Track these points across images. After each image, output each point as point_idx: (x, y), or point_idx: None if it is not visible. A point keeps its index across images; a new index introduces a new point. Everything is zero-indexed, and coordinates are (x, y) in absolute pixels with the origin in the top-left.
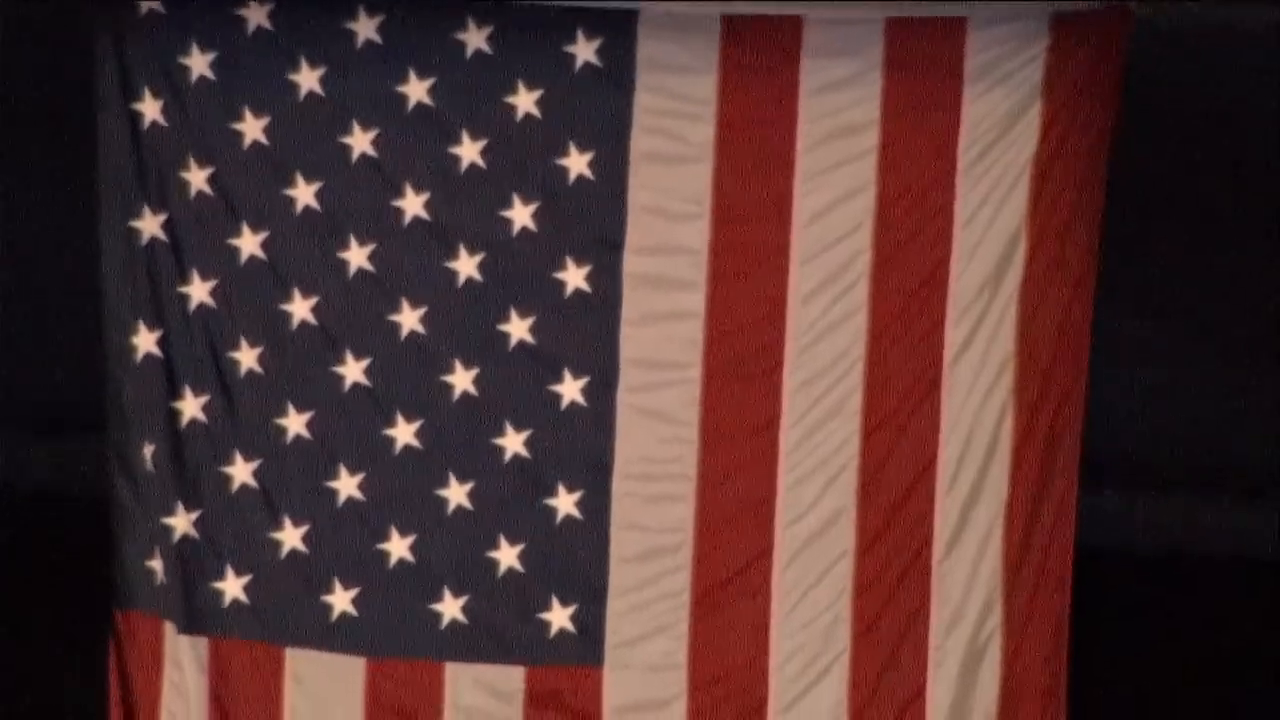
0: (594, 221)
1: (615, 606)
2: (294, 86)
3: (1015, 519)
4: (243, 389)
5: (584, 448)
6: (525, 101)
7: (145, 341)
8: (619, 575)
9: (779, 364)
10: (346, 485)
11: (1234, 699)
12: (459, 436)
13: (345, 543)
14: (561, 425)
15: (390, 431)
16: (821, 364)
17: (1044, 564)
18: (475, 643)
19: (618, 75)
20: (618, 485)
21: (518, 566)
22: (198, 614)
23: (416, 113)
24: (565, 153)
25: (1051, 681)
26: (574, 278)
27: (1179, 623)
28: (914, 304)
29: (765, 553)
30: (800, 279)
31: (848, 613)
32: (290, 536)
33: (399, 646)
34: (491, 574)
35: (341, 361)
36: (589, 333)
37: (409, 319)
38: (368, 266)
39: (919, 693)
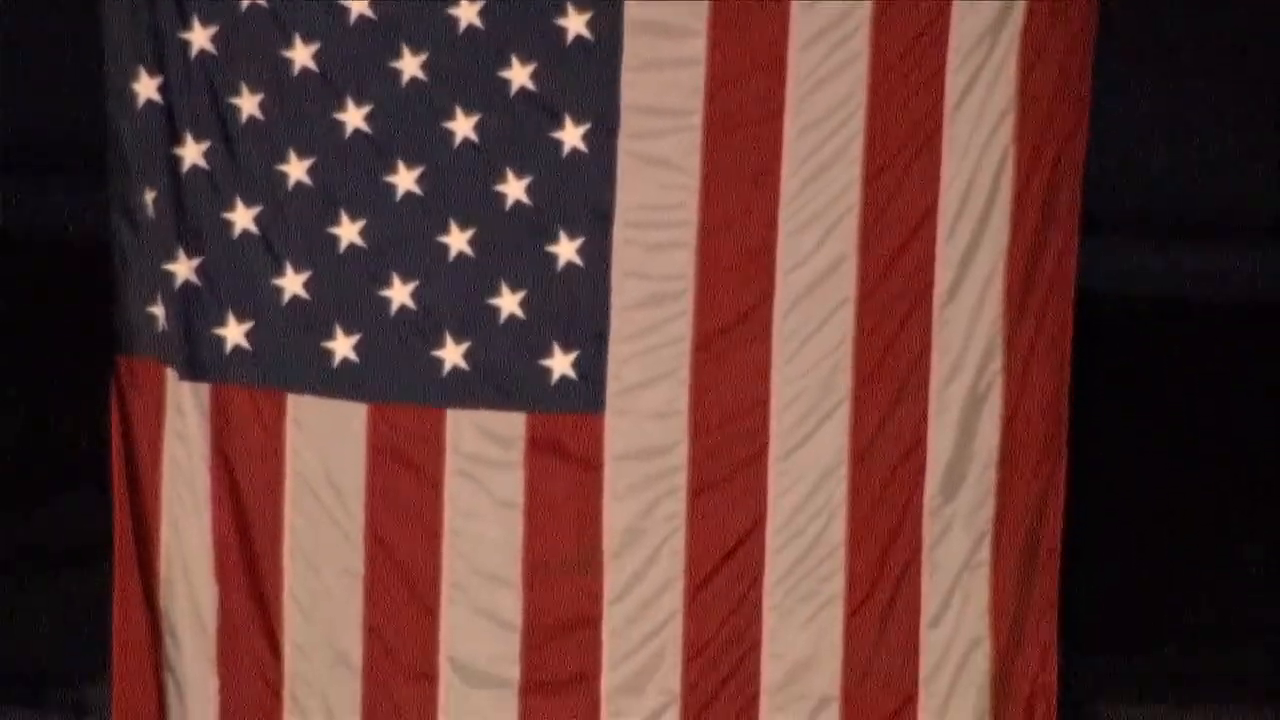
0: None
1: (616, 353)
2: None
3: (1015, 267)
4: (244, 135)
5: (585, 194)
6: None
7: (146, 88)
8: (620, 322)
9: (779, 111)
10: (348, 232)
11: (1233, 441)
12: (460, 183)
13: (347, 289)
14: (563, 172)
15: (392, 178)
16: (822, 111)
17: (1044, 312)
18: (476, 389)
19: None
20: (619, 232)
21: (519, 313)
22: (200, 360)
23: None
24: None
25: (1052, 428)
26: (575, 24)
27: (1179, 368)
28: (915, 51)
29: (766, 299)
30: (800, 26)
31: (848, 360)
32: (292, 283)
33: (400, 392)
34: (493, 320)
35: (343, 108)
36: (590, 79)
37: (409, 66)
38: (369, 14)
39: (919, 440)
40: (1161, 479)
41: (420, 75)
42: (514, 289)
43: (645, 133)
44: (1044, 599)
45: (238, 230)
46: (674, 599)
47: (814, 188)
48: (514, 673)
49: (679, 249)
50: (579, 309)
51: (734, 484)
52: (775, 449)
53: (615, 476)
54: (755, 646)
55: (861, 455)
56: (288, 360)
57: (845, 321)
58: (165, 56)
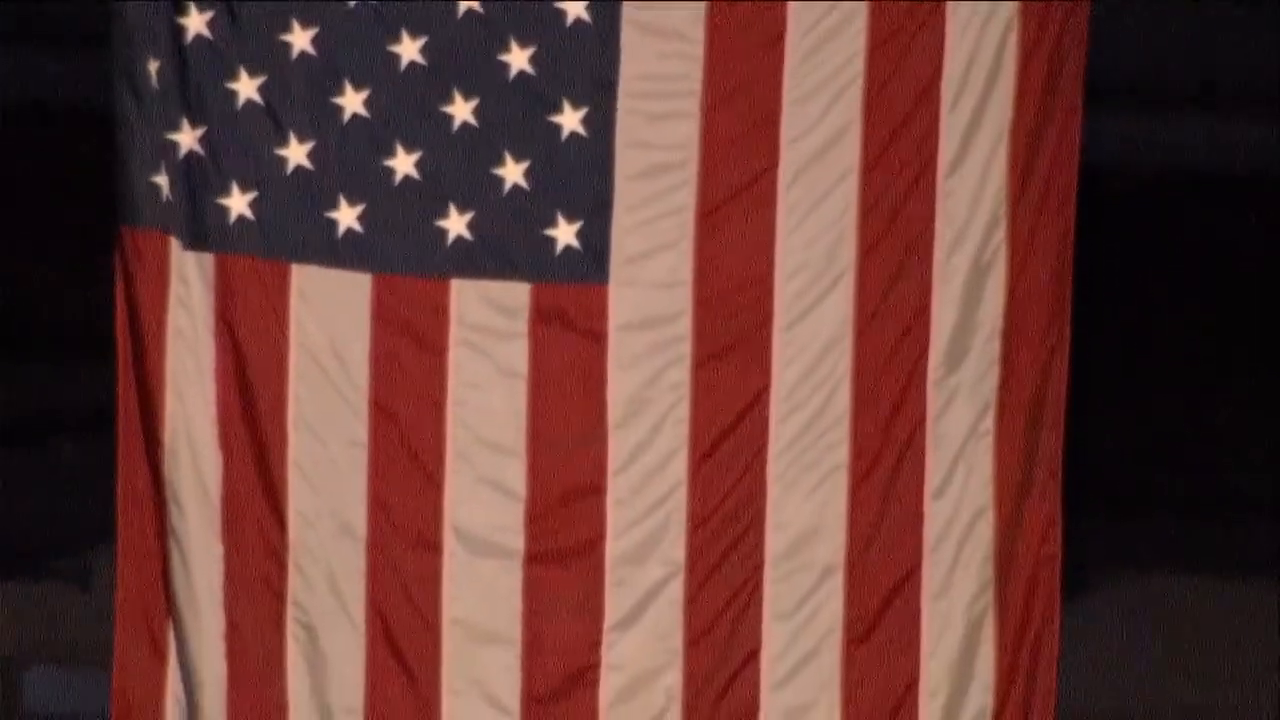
0: None
1: (620, 223)
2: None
3: (1019, 137)
4: (247, 3)
5: (589, 64)
6: None
7: None
8: (624, 192)
9: None
10: (352, 102)
11: (1237, 314)
12: (464, 52)
13: (351, 159)
14: (566, 41)
15: (395, 48)
16: None
17: (1049, 183)
18: (480, 259)
19: None
20: (622, 103)
21: (523, 183)
22: (203, 230)
23: None
24: None
25: (1056, 299)
26: None
27: (1183, 240)
28: None
29: (770, 169)
30: None
31: (852, 231)
32: (296, 153)
33: (405, 262)
34: (497, 191)
35: None
36: None
37: None
38: None
39: (923, 310)
40: (1165, 351)
41: None
42: (517, 159)
43: (649, 3)
44: (1048, 469)
45: (241, 100)
46: (678, 469)
47: (818, 58)
48: (518, 542)
49: (682, 119)
50: (582, 179)
51: (738, 354)
52: (779, 319)
53: (619, 346)
54: (759, 517)
55: (865, 326)
56: (292, 230)
57: (849, 192)
58: None
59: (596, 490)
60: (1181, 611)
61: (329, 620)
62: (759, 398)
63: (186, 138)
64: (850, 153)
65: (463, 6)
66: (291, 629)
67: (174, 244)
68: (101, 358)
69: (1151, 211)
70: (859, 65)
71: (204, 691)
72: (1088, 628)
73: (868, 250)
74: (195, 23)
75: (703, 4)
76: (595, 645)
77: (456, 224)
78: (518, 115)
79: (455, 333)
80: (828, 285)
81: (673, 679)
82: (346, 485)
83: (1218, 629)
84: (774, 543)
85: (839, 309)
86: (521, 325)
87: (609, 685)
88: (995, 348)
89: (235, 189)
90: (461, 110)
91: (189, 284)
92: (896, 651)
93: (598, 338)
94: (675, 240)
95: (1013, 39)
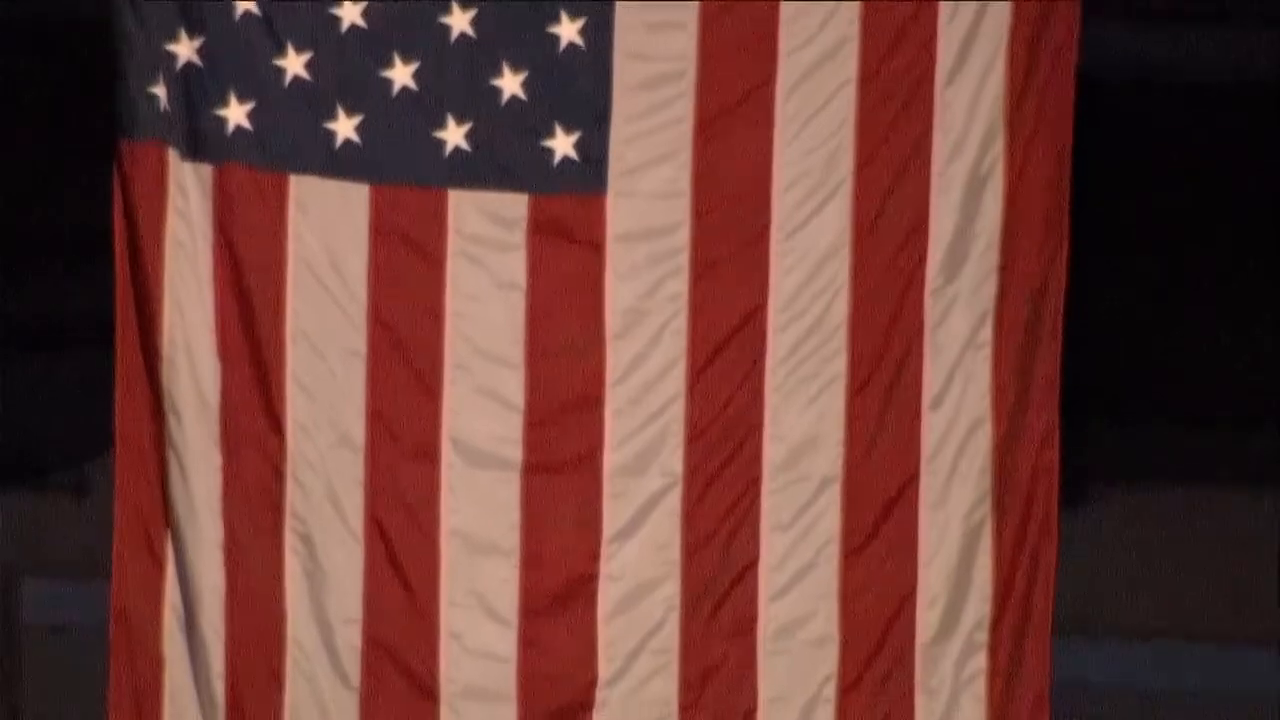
0: None
1: (618, 134)
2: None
3: (1017, 49)
4: None
5: None
6: None
7: None
8: (622, 103)
9: None
10: (349, 12)
11: (1236, 224)
12: None
13: (348, 70)
14: None
15: None
16: None
17: (1046, 93)
18: (478, 170)
19: None
20: (620, 15)
21: (520, 94)
22: (201, 141)
23: None
24: None
25: (1054, 209)
26: None
27: (1181, 151)
28: None
29: (768, 81)
30: None
31: (850, 141)
32: (293, 63)
33: (403, 173)
34: (494, 102)
35: None
36: None
37: None
38: None
39: (921, 221)
40: (1165, 260)
41: None
42: (515, 70)
43: None
44: (1046, 379)
45: (239, 10)
46: (676, 380)
47: None
48: (516, 453)
49: (680, 30)
50: (580, 90)
51: (736, 265)
52: (777, 230)
53: (617, 257)
54: (757, 428)
55: (863, 236)
56: (289, 141)
57: (847, 102)
58: None
59: (595, 401)
60: (1181, 522)
61: (327, 531)
62: (757, 309)
63: (184, 49)
64: (848, 64)
65: None
66: (290, 540)
67: (172, 155)
68: (100, 269)
69: (1152, 121)
70: None
71: (202, 602)
72: (1086, 538)
73: (865, 161)
74: None
75: None
76: (594, 556)
77: (454, 135)
78: (516, 26)
79: (453, 244)
80: (826, 196)
81: (671, 590)
82: (345, 396)
83: (1217, 539)
84: (772, 454)
85: (837, 219)
86: (519, 236)
87: (607, 596)
88: (993, 257)
89: (233, 100)
90: (459, 21)
91: (187, 194)
92: (894, 562)
93: (596, 249)
94: (674, 151)
95: None
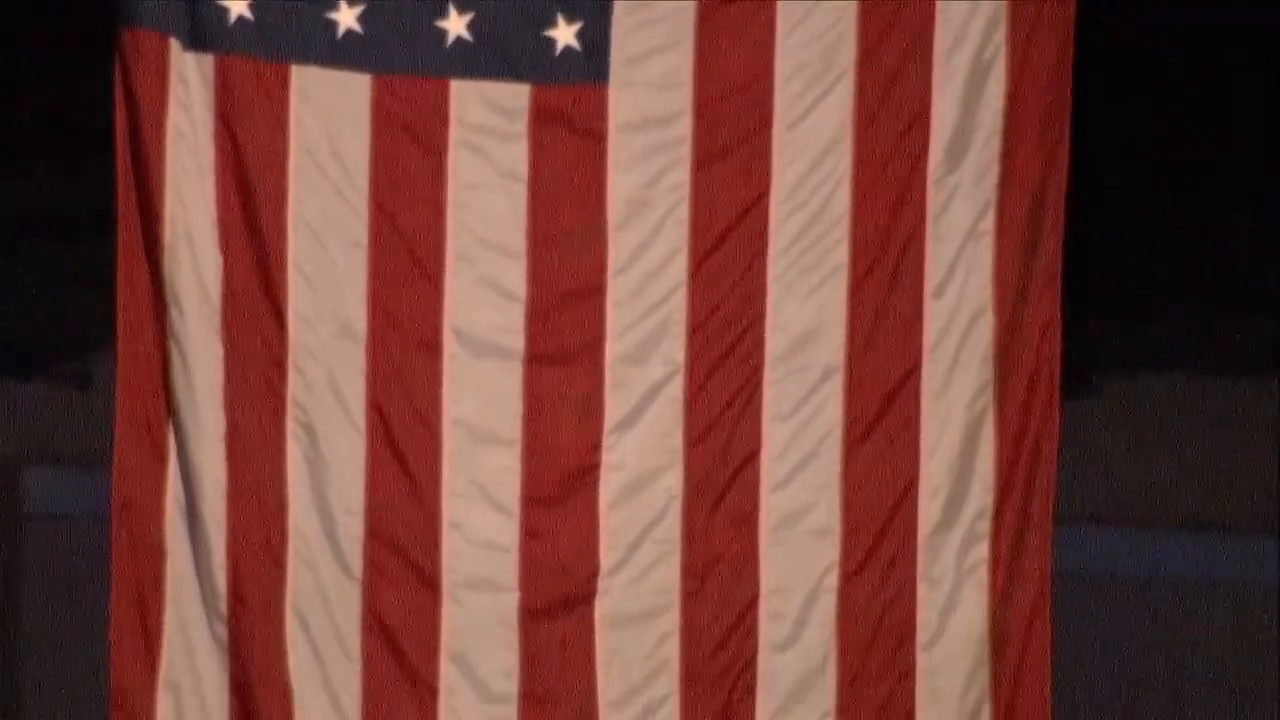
0: None
1: (620, 24)
2: None
3: None
4: None
5: None
6: None
7: None
8: None
9: None
10: None
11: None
12: None
13: None
14: None
15: None
16: None
17: None
18: (480, 60)
19: None
20: None
21: None
22: (203, 31)
23: None
24: None
25: (1057, 95)
26: None
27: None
28: None
29: None
30: None
31: (852, 31)
32: None
33: (405, 63)
34: None
35: None
36: None
37: None
38: None
39: (923, 110)
40: (1168, 147)
41: None
42: None
43: None
44: (1047, 269)
45: None
46: (678, 270)
47: None
48: (518, 343)
49: None
50: None
51: (738, 155)
52: (779, 120)
53: (619, 147)
54: (759, 318)
55: (865, 125)
56: (292, 31)
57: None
58: None
59: (596, 291)
60: (1181, 411)
61: (329, 421)
62: (759, 199)
63: None
64: None
65: None
66: (292, 430)
67: (174, 45)
68: (102, 159)
69: (1155, 8)
70: None
71: (204, 493)
72: (1087, 428)
73: (867, 50)
74: None
75: None
76: (595, 446)
77: (456, 24)
78: None
79: (455, 134)
80: (827, 85)
81: (673, 479)
82: (346, 286)
83: (1217, 428)
84: (773, 344)
85: (839, 109)
86: (521, 126)
87: (609, 486)
88: (995, 146)
89: None
90: None
91: (189, 84)
92: (896, 451)
93: (597, 139)
94: (675, 41)
95: None
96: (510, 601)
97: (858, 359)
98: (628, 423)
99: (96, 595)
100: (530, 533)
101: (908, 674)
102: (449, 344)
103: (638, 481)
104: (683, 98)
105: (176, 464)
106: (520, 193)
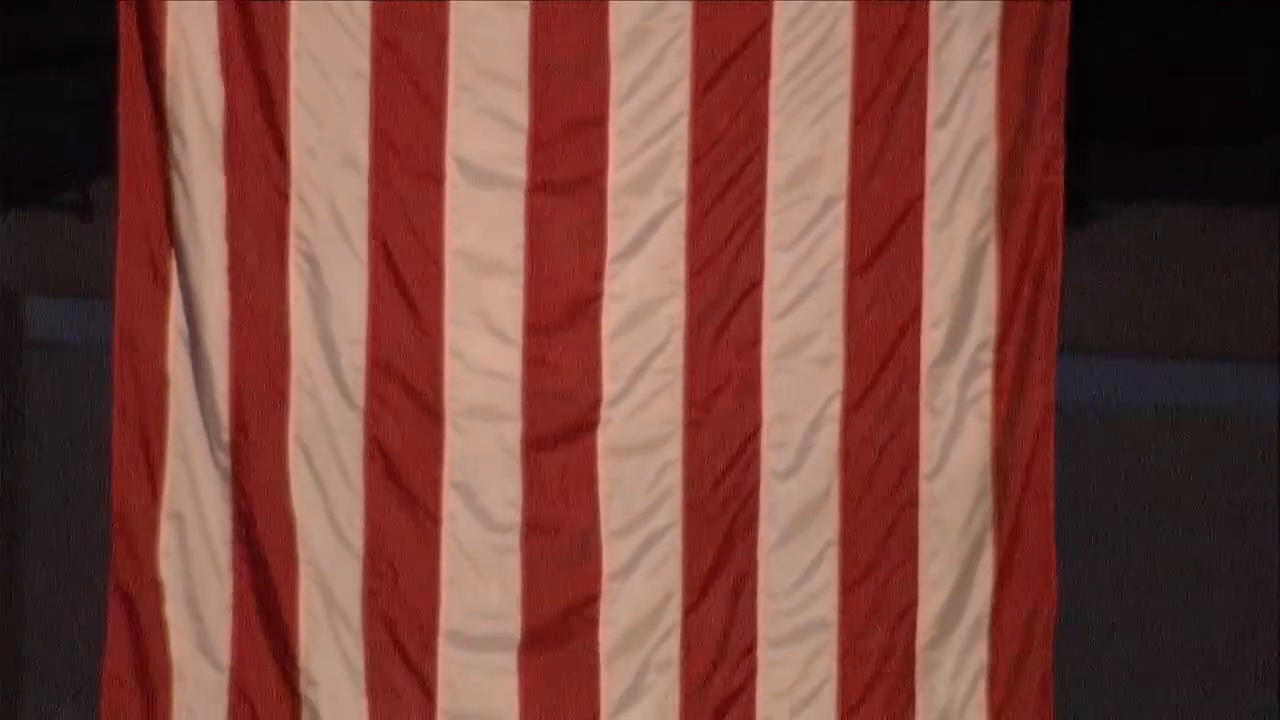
0: None
1: None
2: None
3: None
4: None
5: None
6: None
7: None
8: None
9: None
10: None
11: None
12: None
13: None
14: None
15: None
16: None
17: None
18: None
19: None
20: None
21: None
22: None
23: None
24: None
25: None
26: None
27: None
28: None
29: None
30: None
31: None
32: None
33: None
34: None
35: None
36: None
37: None
38: None
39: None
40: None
41: None
42: None
43: None
44: (1050, 98)
45: None
46: (680, 99)
47: None
48: (520, 172)
49: None
50: None
51: None
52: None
53: None
54: (761, 148)
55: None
56: None
57: None
58: None
59: (599, 120)
60: (1184, 239)
61: (331, 251)
62: (761, 28)
63: None
64: None
65: None
66: (294, 260)
67: None
68: None
69: None
70: None
71: (206, 323)
72: (1091, 258)
73: None
74: None
75: None
76: (598, 275)
77: None
78: None
79: None
80: None
81: (675, 309)
82: (349, 116)
83: (1219, 256)
84: (776, 173)
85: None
86: None
87: (611, 315)
88: None
89: None
90: None
91: None
92: (898, 281)
93: None
94: None
95: None
96: (513, 430)
97: (860, 189)
98: (629, 252)
99: (99, 424)
100: (533, 360)
101: (910, 504)
102: (451, 173)
103: (639, 311)
104: None
105: (179, 294)
106: (522, 22)
